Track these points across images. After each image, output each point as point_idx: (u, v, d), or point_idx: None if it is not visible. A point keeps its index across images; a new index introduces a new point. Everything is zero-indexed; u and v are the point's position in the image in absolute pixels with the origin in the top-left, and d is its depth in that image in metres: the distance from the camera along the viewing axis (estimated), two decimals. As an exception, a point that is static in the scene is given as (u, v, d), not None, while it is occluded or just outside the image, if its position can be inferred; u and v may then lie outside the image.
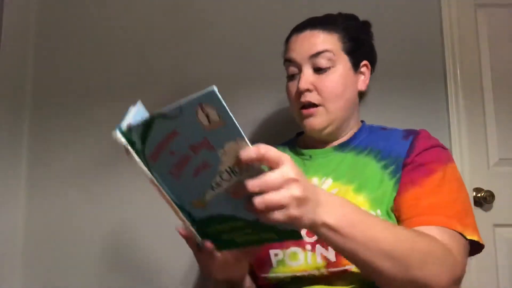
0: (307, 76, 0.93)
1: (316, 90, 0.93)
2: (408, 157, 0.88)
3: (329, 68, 0.93)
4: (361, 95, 1.01)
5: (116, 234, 1.33)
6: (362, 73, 0.99)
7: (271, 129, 1.37)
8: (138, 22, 1.43)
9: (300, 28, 0.98)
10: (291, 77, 0.98)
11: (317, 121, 0.94)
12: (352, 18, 1.01)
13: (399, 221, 0.84)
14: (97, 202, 1.34)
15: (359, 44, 0.98)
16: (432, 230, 0.76)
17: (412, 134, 0.92)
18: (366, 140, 0.96)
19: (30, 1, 1.41)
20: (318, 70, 0.93)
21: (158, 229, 1.32)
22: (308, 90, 0.93)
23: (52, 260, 1.31)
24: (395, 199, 0.85)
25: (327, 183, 0.91)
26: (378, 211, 0.84)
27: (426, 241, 0.72)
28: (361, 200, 0.85)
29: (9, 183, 1.33)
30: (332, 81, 0.93)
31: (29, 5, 1.41)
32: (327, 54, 0.93)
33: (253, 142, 0.55)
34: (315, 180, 0.93)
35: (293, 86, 0.96)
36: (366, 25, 1.04)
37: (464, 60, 1.43)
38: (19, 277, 1.31)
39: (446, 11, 1.45)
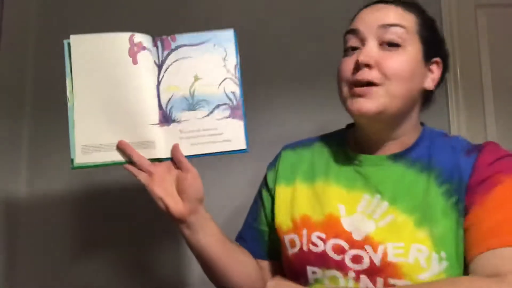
0: (371, 48, 0.77)
1: (377, 68, 0.76)
2: (470, 180, 0.73)
3: (398, 46, 0.77)
4: (426, 97, 0.84)
5: (117, 235, 1.33)
6: (431, 70, 0.82)
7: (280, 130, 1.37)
8: (139, 21, 1.42)
9: (372, 3, 0.83)
10: (349, 51, 0.81)
11: (369, 103, 0.76)
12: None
13: (465, 259, 0.71)
14: (97, 201, 1.34)
15: (436, 37, 0.83)
16: (482, 261, 0.66)
17: (475, 150, 0.77)
18: (426, 152, 0.80)
19: (30, 1, 1.41)
20: (384, 46, 0.77)
21: (160, 223, 1.32)
22: (368, 66, 0.76)
23: (52, 259, 1.32)
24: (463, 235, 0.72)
25: (383, 208, 0.77)
26: (443, 254, 0.71)
27: None
28: (422, 237, 0.72)
29: (9, 183, 1.33)
30: (399, 61, 0.76)
31: (29, 5, 1.41)
32: (399, 30, 0.77)
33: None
34: (366, 196, 0.79)
35: (348, 62, 0.79)
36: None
37: (464, 60, 1.43)
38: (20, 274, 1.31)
39: (446, 11, 1.45)
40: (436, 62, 0.82)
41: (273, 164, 0.94)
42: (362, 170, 0.82)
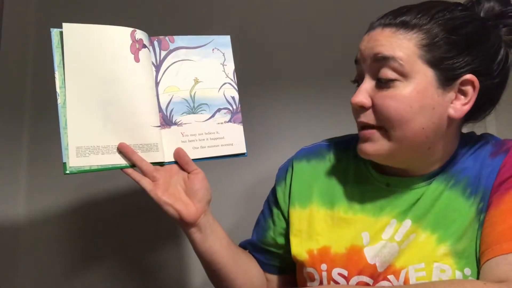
0: (365, 87, 0.70)
1: (372, 108, 0.69)
2: (494, 183, 0.68)
3: (393, 81, 0.67)
4: (464, 118, 0.72)
5: (119, 234, 1.33)
6: (461, 91, 0.68)
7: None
8: (139, 21, 1.41)
9: (373, 24, 0.72)
10: (356, 84, 0.75)
11: (371, 147, 0.70)
12: (451, 8, 0.69)
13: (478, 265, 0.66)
14: (97, 201, 1.34)
15: (458, 49, 0.67)
16: (493, 265, 0.62)
17: (501, 152, 0.70)
18: (459, 166, 0.73)
19: (30, 1, 1.41)
20: (380, 82, 0.68)
21: (160, 224, 1.32)
22: (362, 108, 0.70)
23: (53, 262, 1.32)
24: None
25: (405, 226, 0.71)
26: (467, 271, 0.66)
27: None
28: (443, 253, 0.67)
29: (8, 185, 1.34)
30: (394, 99, 0.66)
31: (29, 5, 1.41)
32: (393, 63, 0.66)
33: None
34: (393, 222, 0.72)
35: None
36: (473, 7, 0.72)
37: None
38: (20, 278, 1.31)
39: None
40: (468, 81, 0.67)
41: (284, 178, 0.87)
42: (391, 194, 0.74)
